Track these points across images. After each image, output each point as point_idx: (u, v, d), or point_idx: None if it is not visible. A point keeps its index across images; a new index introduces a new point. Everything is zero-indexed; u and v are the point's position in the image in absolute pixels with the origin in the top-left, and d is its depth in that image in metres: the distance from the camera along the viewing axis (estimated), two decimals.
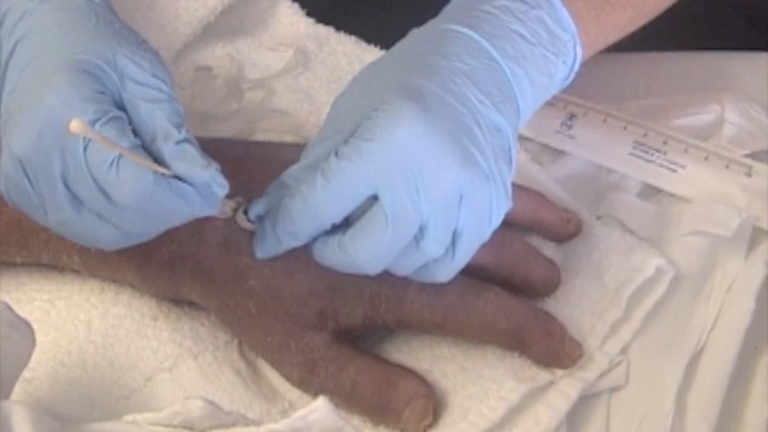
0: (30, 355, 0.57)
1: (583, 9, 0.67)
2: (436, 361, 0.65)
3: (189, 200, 0.57)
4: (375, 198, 0.58)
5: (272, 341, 0.64)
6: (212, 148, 0.60)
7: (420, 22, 0.65)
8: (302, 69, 0.78)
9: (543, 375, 0.64)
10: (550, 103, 0.74)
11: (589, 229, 0.70)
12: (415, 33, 0.65)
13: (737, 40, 0.85)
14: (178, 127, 0.58)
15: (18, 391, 0.59)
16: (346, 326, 0.64)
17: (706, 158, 0.74)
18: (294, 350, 0.63)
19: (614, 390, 0.65)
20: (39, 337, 0.58)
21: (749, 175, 0.73)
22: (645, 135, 0.75)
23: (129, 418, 0.55)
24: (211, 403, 0.55)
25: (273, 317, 0.63)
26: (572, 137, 0.76)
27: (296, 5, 0.81)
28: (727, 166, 0.74)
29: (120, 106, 0.58)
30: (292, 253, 0.62)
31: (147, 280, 0.65)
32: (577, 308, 0.66)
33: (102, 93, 0.57)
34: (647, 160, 0.74)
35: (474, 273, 0.64)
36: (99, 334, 0.65)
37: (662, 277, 0.68)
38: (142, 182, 0.56)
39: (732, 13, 0.94)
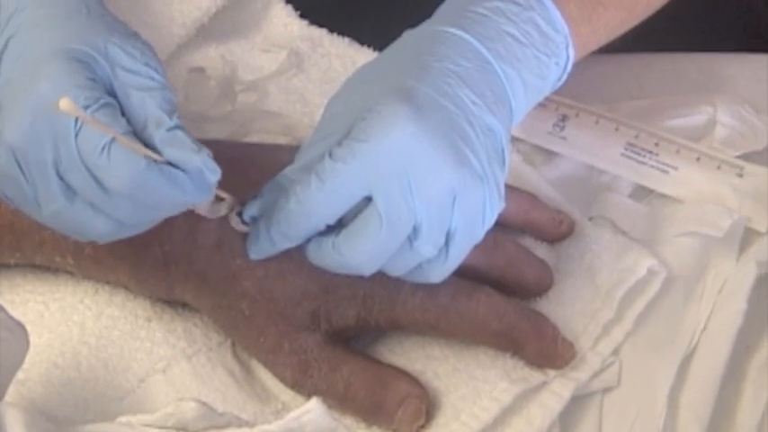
0: (23, 357, 0.57)
1: (575, 10, 0.67)
2: (429, 362, 0.65)
3: (181, 186, 0.56)
4: (369, 199, 0.58)
5: (265, 342, 0.64)
6: None
7: (413, 23, 0.65)
8: (295, 71, 0.78)
9: (536, 376, 0.64)
10: (542, 105, 0.74)
11: (581, 230, 0.70)
12: (408, 35, 0.65)
13: (730, 42, 0.85)
14: (170, 114, 0.57)
15: (12, 392, 0.59)
16: (339, 327, 0.64)
17: (698, 159, 0.74)
18: (287, 351, 0.64)
19: (607, 390, 0.65)
20: (32, 339, 0.58)
21: (741, 176, 0.73)
22: (637, 136, 0.75)
23: (123, 419, 0.55)
24: (205, 404, 0.55)
25: (267, 318, 0.64)
26: (564, 138, 0.76)
27: (289, 7, 0.81)
28: (718, 168, 0.74)
29: (112, 94, 0.58)
30: (285, 254, 0.62)
31: (140, 281, 0.65)
32: (570, 308, 0.67)
33: (94, 80, 0.57)
34: (639, 161, 0.74)
35: (466, 273, 0.64)
36: (93, 335, 0.65)
37: (654, 278, 0.68)
38: (134, 167, 0.55)
39: (724, 14, 0.94)
